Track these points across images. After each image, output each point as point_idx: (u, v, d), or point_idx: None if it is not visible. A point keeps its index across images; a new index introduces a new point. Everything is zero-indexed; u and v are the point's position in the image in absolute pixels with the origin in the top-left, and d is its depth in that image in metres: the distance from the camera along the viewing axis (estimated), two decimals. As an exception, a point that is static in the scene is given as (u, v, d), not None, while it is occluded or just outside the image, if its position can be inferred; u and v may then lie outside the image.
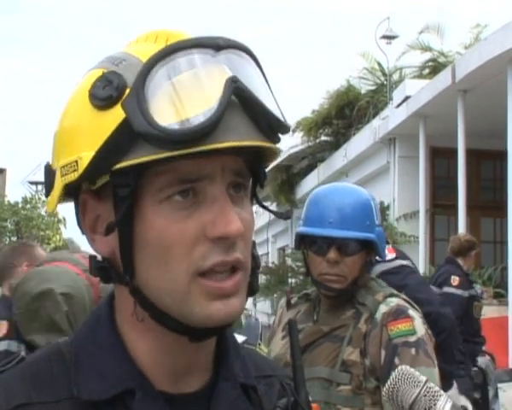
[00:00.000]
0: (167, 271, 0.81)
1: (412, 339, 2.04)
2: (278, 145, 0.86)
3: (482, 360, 5.93)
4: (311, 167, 19.02)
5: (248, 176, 0.86)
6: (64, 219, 17.81)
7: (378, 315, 2.08)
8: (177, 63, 0.78)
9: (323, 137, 19.21)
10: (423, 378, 1.63)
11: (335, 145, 17.54)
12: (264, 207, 0.96)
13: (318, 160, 18.57)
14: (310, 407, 0.93)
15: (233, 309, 0.83)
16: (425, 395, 1.59)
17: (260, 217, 20.56)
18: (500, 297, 10.48)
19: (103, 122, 0.79)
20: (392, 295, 2.15)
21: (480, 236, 11.97)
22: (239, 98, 0.79)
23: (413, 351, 2.02)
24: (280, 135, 0.85)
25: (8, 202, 17.17)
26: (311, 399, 0.95)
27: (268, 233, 23.75)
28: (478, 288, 7.89)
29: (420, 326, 2.08)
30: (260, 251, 24.19)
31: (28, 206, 17.07)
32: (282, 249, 23.67)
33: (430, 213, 12.62)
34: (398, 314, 2.07)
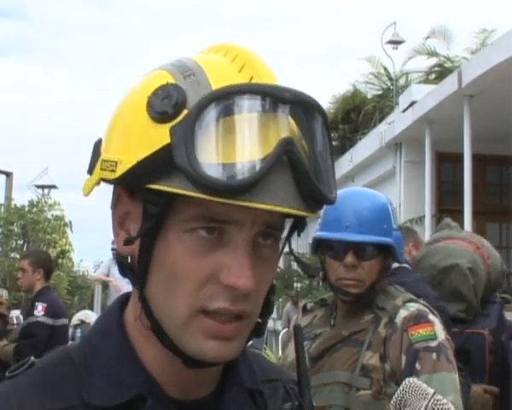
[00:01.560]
0: (173, 297, 0.81)
1: (433, 344, 2.02)
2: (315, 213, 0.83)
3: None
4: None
5: (282, 228, 0.84)
6: (70, 222, 17.84)
7: (398, 320, 2.07)
8: (236, 105, 0.76)
9: (329, 142, 19.19)
10: (431, 390, 1.61)
11: (341, 150, 17.53)
12: (297, 260, 0.95)
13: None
14: None
15: (227, 352, 0.82)
16: (433, 408, 1.58)
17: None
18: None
19: (152, 136, 0.78)
20: (411, 301, 2.14)
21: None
22: (289, 160, 0.77)
23: (434, 356, 2.00)
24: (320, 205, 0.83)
25: (15, 205, 17.18)
26: (315, 404, 0.95)
27: (274, 238, 23.71)
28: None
29: (440, 331, 2.07)
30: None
31: (35, 209, 17.07)
32: (288, 254, 23.60)
33: (436, 218, 12.60)
34: (418, 319, 2.06)
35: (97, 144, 0.88)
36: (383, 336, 2.06)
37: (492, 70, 9.30)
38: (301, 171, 0.77)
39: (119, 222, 0.86)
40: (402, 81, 17.16)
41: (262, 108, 0.76)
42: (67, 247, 19.83)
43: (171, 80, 0.81)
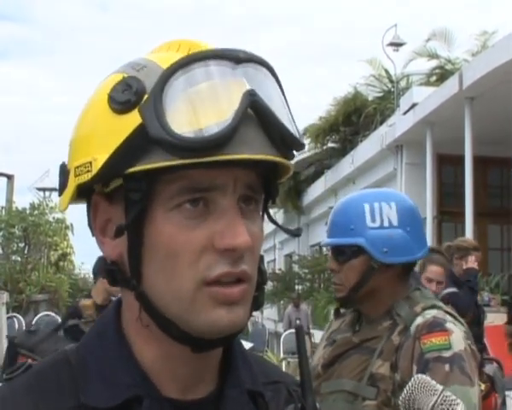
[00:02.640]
0: (174, 277, 0.81)
1: (447, 354, 1.89)
2: (291, 161, 0.86)
3: (489, 368, 5.88)
4: (318, 174, 19.04)
5: (260, 191, 0.86)
6: (71, 225, 17.86)
7: (412, 327, 1.96)
8: (195, 73, 0.79)
9: (330, 144, 19.23)
10: (440, 387, 1.58)
11: (342, 152, 17.54)
12: (275, 223, 0.96)
13: (325, 166, 18.59)
14: None
15: (236, 317, 0.82)
16: (442, 404, 1.56)
17: (268, 224, 20.53)
18: (507, 305, 10.44)
19: (120, 126, 0.80)
20: (433, 307, 2.01)
21: (487, 243, 11.96)
22: (255, 112, 0.80)
23: (447, 367, 1.87)
24: (294, 151, 0.86)
25: (16, 208, 17.19)
26: (318, 406, 0.95)
27: (275, 240, 23.76)
28: (485, 295, 7.87)
29: (458, 341, 1.92)
30: (267, 257, 24.15)
31: (36, 212, 17.07)
32: (289, 256, 23.65)
33: (437, 220, 12.60)
34: (433, 327, 1.93)
35: (63, 166, 0.89)
36: (396, 344, 1.97)
37: (493, 72, 9.30)
38: (269, 117, 0.80)
39: (101, 231, 0.87)
40: (403, 83, 17.17)
41: (220, 69, 0.79)
42: (69, 249, 19.84)
43: (126, 75, 0.83)
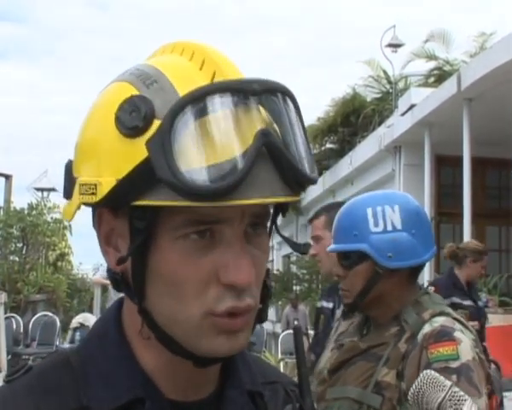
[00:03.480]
0: (180, 303, 0.81)
1: (454, 365, 1.84)
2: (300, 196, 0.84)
3: (487, 369, 5.89)
4: (316, 175, 18.99)
5: (268, 214, 0.85)
6: (70, 225, 17.82)
7: (420, 335, 1.92)
8: (207, 107, 0.75)
9: (329, 145, 19.24)
10: (448, 383, 1.58)
11: (341, 153, 17.54)
12: (284, 238, 0.95)
13: (324, 167, 18.57)
14: None
15: (238, 345, 0.83)
16: (450, 400, 1.55)
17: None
18: (505, 306, 10.44)
19: (127, 152, 0.78)
20: (441, 314, 1.97)
21: (485, 244, 11.93)
22: (268, 151, 0.77)
23: (454, 378, 1.81)
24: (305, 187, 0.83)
25: (14, 208, 17.17)
26: (315, 406, 0.95)
27: (273, 240, 23.74)
28: (483, 296, 7.87)
29: (467, 351, 1.88)
30: (265, 258, 24.09)
31: (34, 212, 17.06)
32: (287, 257, 23.62)
33: (435, 221, 12.60)
34: (440, 336, 1.89)
35: (68, 167, 0.87)
36: (402, 352, 1.93)
37: (491, 73, 9.31)
38: (282, 158, 0.78)
39: (106, 240, 0.86)
40: (401, 84, 17.17)
41: (233, 104, 0.76)
42: (67, 250, 19.83)
43: (135, 91, 0.80)
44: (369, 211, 2.03)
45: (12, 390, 0.86)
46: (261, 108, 0.78)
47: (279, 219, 0.93)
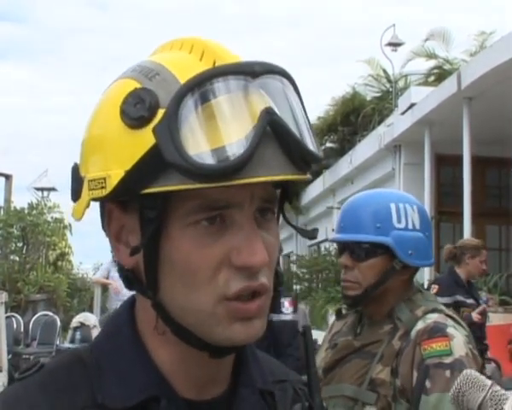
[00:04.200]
0: (193, 292, 0.81)
1: (447, 360, 1.86)
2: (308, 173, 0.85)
3: (487, 368, 5.89)
4: (316, 174, 19.00)
5: (276, 200, 0.86)
6: (70, 225, 17.82)
7: (413, 332, 1.93)
8: (211, 90, 0.77)
9: (329, 144, 19.24)
10: (488, 382, 1.57)
11: (341, 152, 17.54)
12: (291, 225, 0.95)
13: (324, 166, 18.57)
14: None
15: (254, 332, 0.83)
16: (491, 399, 1.55)
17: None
18: (505, 305, 10.45)
19: (134, 142, 0.78)
20: (434, 311, 1.99)
21: (485, 243, 11.94)
22: (274, 131, 0.78)
23: (447, 373, 1.84)
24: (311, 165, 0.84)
25: (15, 207, 17.16)
26: (325, 405, 0.95)
27: (273, 240, 23.69)
28: (483, 295, 7.88)
29: (460, 346, 1.89)
30: (265, 258, 24.06)
31: (34, 212, 17.04)
32: (287, 256, 23.63)
33: (436, 220, 12.60)
34: (433, 332, 1.91)
35: (75, 169, 0.87)
36: (396, 349, 1.94)
37: (492, 72, 9.31)
38: (287, 136, 0.79)
39: (116, 237, 0.86)
40: (401, 83, 17.17)
41: (236, 86, 0.77)
42: (67, 249, 19.82)
43: (138, 85, 0.81)
44: (393, 206, 2.06)
45: (25, 388, 0.85)
46: (262, 90, 0.79)
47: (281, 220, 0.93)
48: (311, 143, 0.82)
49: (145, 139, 0.77)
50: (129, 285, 0.87)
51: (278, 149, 0.79)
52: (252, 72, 0.78)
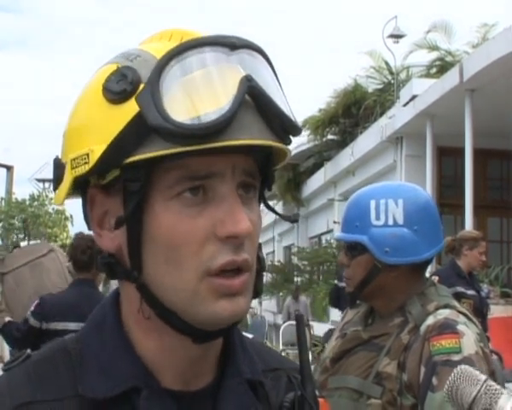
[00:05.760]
0: (176, 269, 0.81)
1: (456, 358, 1.81)
2: (288, 147, 0.86)
3: (489, 360, 5.89)
4: (317, 166, 19.03)
5: (258, 177, 0.86)
6: (71, 216, 17.86)
7: (423, 327, 1.90)
8: (191, 61, 0.78)
9: (330, 136, 19.21)
10: (483, 377, 1.57)
11: (342, 144, 17.53)
12: (272, 210, 0.96)
13: (325, 158, 18.58)
14: (317, 402, 0.92)
15: (239, 308, 0.82)
16: (485, 393, 1.54)
17: (266, 215, 20.59)
18: (507, 297, 10.46)
19: (116, 116, 0.79)
20: (446, 306, 1.94)
21: (486, 235, 11.93)
22: (252, 97, 0.80)
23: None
24: (291, 136, 0.86)
25: (16, 199, 17.21)
26: (317, 393, 0.95)
27: (274, 232, 23.78)
28: (485, 287, 7.90)
29: (470, 344, 1.85)
30: (266, 249, 24.18)
31: (35, 203, 17.10)
32: (288, 248, 23.67)
33: (437, 212, 12.59)
34: (443, 329, 1.86)
35: (56, 160, 0.88)
36: (405, 343, 1.91)
37: (494, 64, 9.29)
38: (267, 102, 0.81)
39: (99, 224, 0.86)
40: (403, 75, 17.14)
41: (215, 57, 0.79)
42: (68, 241, 19.86)
43: (120, 66, 0.82)
44: (373, 203, 2.02)
45: (9, 378, 0.86)
46: (239, 66, 0.81)
47: (279, 212, 0.94)
48: (290, 114, 0.84)
49: (128, 110, 0.79)
50: (111, 273, 0.87)
51: (258, 115, 0.80)
52: (230, 44, 0.80)
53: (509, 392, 1.58)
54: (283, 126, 0.83)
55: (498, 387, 1.55)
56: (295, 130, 0.85)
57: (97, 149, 0.80)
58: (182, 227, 0.80)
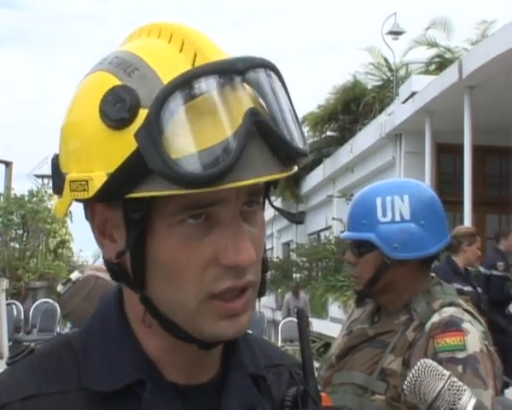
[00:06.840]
0: (179, 290, 0.80)
1: (460, 355, 1.83)
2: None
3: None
4: (316, 162, 19.00)
5: (262, 191, 0.84)
6: (70, 212, 17.83)
7: (428, 325, 1.92)
8: (193, 91, 0.74)
9: (329, 133, 19.21)
10: (447, 372, 1.57)
11: (341, 140, 17.51)
12: (276, 209, 0.94)
13: (324, 155, 18.56)
14: (319, 397, 0.93)
15: (241, 327, 0.83)
16: (449, 390, 1.54)
17: (265, 211, 20.52)
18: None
19: (116, 145, 0.77)
20: (452, 304, 1.96)
21: (485, 232, 11.95)
22: (258, 130, 0.77)
23: (460, 369, 1.80)
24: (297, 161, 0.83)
25: (15, 195, 17.19)
26: (320, 388, 0.95)
27: (273, 228, 23.75)
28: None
29: (474, 342, 1.86)
30: (265, 246, 24.09)
31: (34, 199, 17.07)
32: (287, 244, 23.66)
33: (436, 209, 12.57)
34: (448, 326, 1.88)
35: (55, 162, 0.86)
36: (410, 340, 1.93)
37: (493, 61, 9.28)
38: (272, 135, 0.78)
39: (100, 231, 0.85)
40: (402, 72, 17.12)
41: (219, 86, 0.75)
42: (67, 237, 19.86)
43: (116, 81, 0.79)
44: (379, 200, 2.03)
45: (13, 372, 0.86)
46: (247, 86, 0.78)
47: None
48: (297, 138, 0.81)
49: (127, 142, 0.76)
50: (115, 278, 0.87)
51: (264, 148, 0.77)
52: (235, 70, 0.76)
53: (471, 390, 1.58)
54: (289, 155, 0.80)
55: (461, 384, 1.55)
56: (302, 156, 0.82)
57: (97, 178, 0.78)
58: (184, 252, 0.79)
